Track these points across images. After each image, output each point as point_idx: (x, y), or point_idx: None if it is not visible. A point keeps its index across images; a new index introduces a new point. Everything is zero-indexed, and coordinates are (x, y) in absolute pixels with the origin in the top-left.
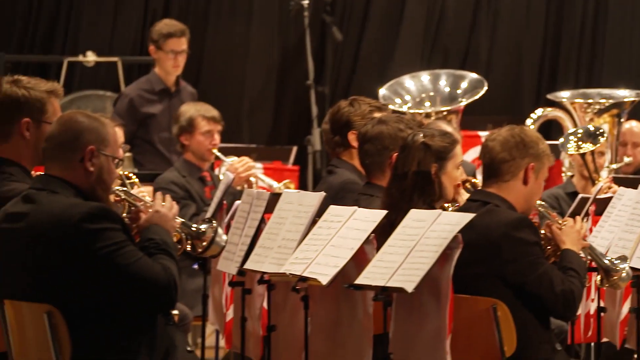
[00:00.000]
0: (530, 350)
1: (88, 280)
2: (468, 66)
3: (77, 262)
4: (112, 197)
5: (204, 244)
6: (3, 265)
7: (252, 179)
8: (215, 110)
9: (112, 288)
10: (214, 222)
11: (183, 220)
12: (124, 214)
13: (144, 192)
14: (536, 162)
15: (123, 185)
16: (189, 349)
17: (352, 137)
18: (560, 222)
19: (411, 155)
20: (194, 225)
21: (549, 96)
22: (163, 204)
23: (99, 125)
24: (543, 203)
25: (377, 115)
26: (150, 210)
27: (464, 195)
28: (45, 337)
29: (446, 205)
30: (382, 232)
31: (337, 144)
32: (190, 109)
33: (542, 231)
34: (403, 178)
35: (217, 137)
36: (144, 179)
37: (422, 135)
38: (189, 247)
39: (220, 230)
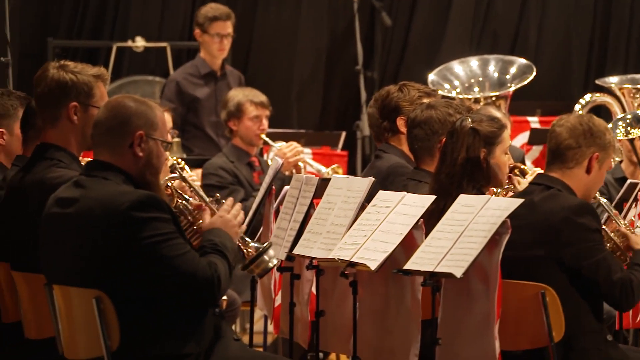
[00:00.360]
0: (581, 338)
1: (134, 268)
2: (517, 51)
3: (124, 250)
4: (166, 190)
5: (257, 263)
6: (53, 249)
7: (301, 164)
8: (264, 96)
9: (155, 278)
10: (270, 243)
11: (242, 234)
12: (178, 200)
13: (193, 176)
14: (601, 152)
15: (173, 171)
16: (235, 337)
17: (400, 123)
18: (621, 221)
19: (460, 141)
20: (253, 244)
21: (598, 81)
22: (229, 210)
23: (147, 109)
24: (606, 201)
25: (426, 100)
26: (216, 212)
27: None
28: (93, 323)
29: (495, 190)
30: (431, 218)
31: (385, 129)
32: (238, 94)
33: (604, 227)
34: (452, 164)
35: (265, 123)
36: (193, 164)
37: (470, 120)
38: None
39: (272, 252)
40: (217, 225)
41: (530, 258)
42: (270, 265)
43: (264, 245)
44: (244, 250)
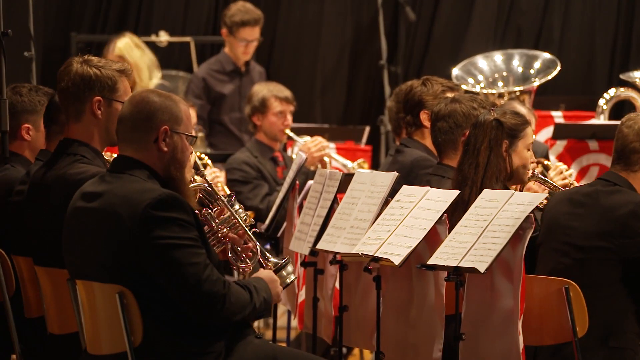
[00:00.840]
0: (620, 337)
1: (149, 266)
2: (541, 46)
3: (140, 247)
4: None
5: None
6: (76, 244)
7: (326, 159)
8: (288, 91)
9: (161, 280)
10: (289, 259)
11: (266, 252)
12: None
13: (216, 171)
14: None
15: (197, 169)
16: (257, 335)
17: (424, 117)
18: None
19: (483, 132)
20: (267, 254)
21: (622, 76)
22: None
23: (172, 103)
24: None
25: (450, 95)
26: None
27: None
28: (117, 318)
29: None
30: (456, 209)
31: (408, 124)
32: (262, 89)
33: None
34: (475, 154)
35: (289, 118)
36: (216, 160)
37: (494, 112)
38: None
39: (290, 268)
40: (263, 277)
41: (590, 249)
42: (288, 281)
43: (283, 261)
44: (264, 265)
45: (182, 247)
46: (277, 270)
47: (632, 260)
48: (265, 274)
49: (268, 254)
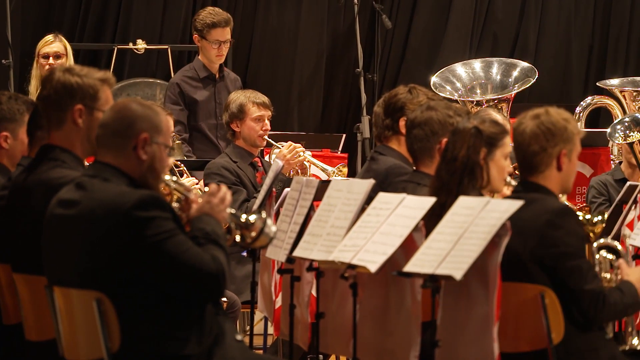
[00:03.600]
0: (576, 338)
1: (137, 268)
2: (517, 54)
3: (127, 250)
4: (162, 188)
5: (253, 234)
6: (54, 251)
7: (306, 164)
8: (265, 96)
9: (161, 276)
10: (263, 212)
11: (232, 211)
12: (174, 204)
13: (193, 180)
14: (567, 145)
15: (172, 173)
16: (238, 337)
17: (402, 124)
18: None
19: (462, 139)
20: (244, 216)
21: (599, 84)
22: (215, 194)
23: (152, 113)
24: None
25: None
26: (200, 199)
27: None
28: (94, 324)
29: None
30: (433, 215)
31: (386, 127)
32: (240, 96)
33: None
34: (452, 161)
35: (267, 123)
36: (193, 167)
37: (473, 120)
38: (238, 238)
39: (269, 221)
40: (204, 211)
41: (515, 262)
42: (272, 234)
43: (261, 214)
44: (242, 224)
45: (172, 237)
46: (261, 232)
47: (550, 271)
48: (204, 206)
49: (242, 215)
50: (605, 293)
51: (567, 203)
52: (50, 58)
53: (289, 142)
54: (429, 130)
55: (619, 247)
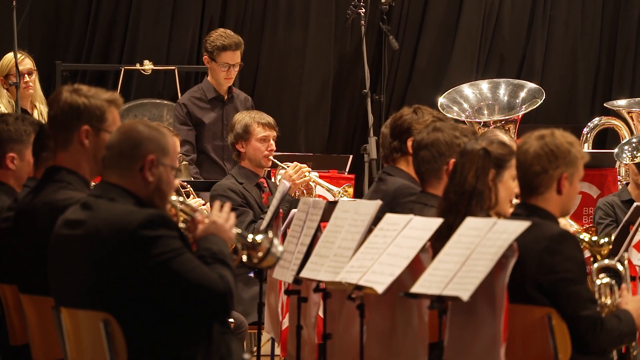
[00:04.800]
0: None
1: (144, 288)
2: (524, 75)
3: (134, 270)
4: (168, 208)
5: (260, 254)
6: (61, 272)
7: (312, 184)
8: (270, 117)
9: (168, 296)
10: (269, 232)
11: (239, 231)
12: (181, 224)
13: (199, 201)
14: (569, 169)
15: (178, 194)
16: (245, 356)
17: (410, 144)
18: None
19: (470, 160)
20: (250, 236)
21: (606, 104)
22: (220, 214)
23: (159, 135)
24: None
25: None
26: (207, 220)
27: None
28: (101, 346)
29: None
30: (440, 236)
31: (394, 149)
32: (245, 117)
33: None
34: (461, 182)
35: (273, 143)
36: (199, 188)
37: (482, 141)
38: (244, 258)
39: (276, 241)
40: (210, 231)
41: (517, 286)
42: (278, 254)
43: (268, 234)
44: (248, 244)
45: (179, 256)
46: (268, 252)
47: (550, 296)
48: (209, 227)
49: (249, 235)
50: (603, 319)
51: (571, 222)
52: (26, 76)
53: (295, 163)
54: (436, 152)
55: (620, 268)
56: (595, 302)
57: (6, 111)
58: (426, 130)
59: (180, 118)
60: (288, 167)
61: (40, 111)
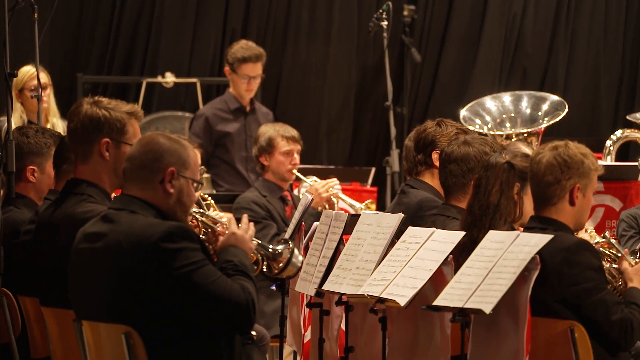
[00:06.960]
0: None
1: (166, 300)
2: (546, 87)
3: (156, 282)
4: (189, 220)
5: (281, 265)
6: (82, 285)
7: (334, 199)
8: (294, 130)
9: (190, 308)
10: (290, 243)
11: (259, 241)
12: (201, 237)
13: (220, 214)
14: (582, 180)
15: (199, 207)
16: None
17: (435, 157)
18: (632, 260)
19: (495, 174)
20: (271, 247)
21: (629, 117)
22: (240, 225)
23: (180, 147)
24: (613, 241)
25: (462, 137)
26: (227, 232)
27: None
28: (123, 358)
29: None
30: (463, 250)
31: (419, 162)
32: (269, 130)
33: (615, 265)
34: (486, 196)
35: (296, 157)
36: (222, 200)
37: (505, 155)
38: (265, 268)
39: (296, 252)
40: (230, 243)
41: (539, 300)
42: (299, 264)
43: (289, 244)
44: (269, 255)
45: (201, 268)
46: (289, 262)
47: (574, 307)
48: (229, 239)
49: (269, 246)
50: (631, 318)
51: (590, 229)
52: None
53: (330, 179)
54: (465, 167)
55: (613, 241)
56: (621, 303)
57: None
58: (456, 143)
59: (196, 130)
60: (316, 181)
61: (53, 125)
